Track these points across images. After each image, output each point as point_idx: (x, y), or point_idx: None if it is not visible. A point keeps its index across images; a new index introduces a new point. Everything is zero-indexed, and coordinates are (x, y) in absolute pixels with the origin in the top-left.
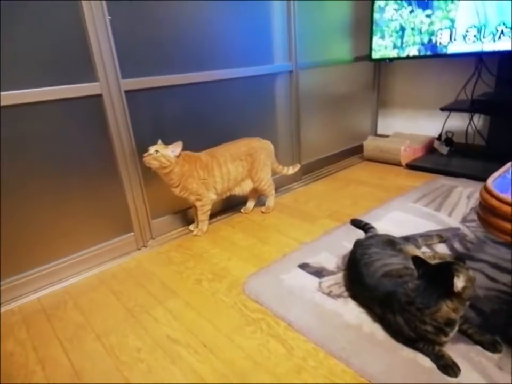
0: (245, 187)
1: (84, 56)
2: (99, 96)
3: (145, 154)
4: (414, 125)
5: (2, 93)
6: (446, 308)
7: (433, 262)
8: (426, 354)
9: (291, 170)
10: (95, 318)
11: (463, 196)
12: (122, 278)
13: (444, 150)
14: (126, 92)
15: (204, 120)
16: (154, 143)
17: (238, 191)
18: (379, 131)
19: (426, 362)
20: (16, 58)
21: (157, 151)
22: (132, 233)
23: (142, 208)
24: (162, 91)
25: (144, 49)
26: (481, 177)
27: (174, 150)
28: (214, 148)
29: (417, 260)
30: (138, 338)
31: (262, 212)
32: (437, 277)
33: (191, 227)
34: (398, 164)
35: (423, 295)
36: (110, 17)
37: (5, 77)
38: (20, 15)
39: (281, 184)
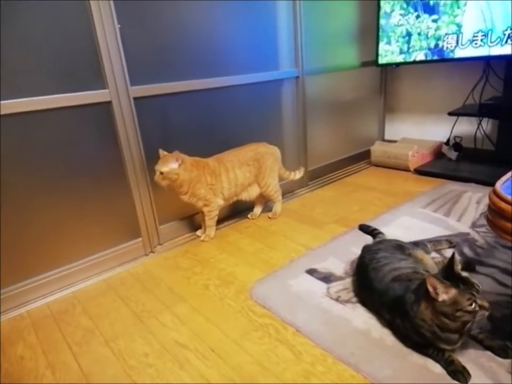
0: (252, 192)
1: (93, 63)
2: (108, 103)
3: (155, 178)
4: (421, 130)
5: (13, 100)
6: (423, 308)
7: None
8: (436, 360)
9: (297, 174)
10: (103, 323)
11: (472, 201)
12: (130, 284)
13: (453, 155)
14: (135, 98)
15: (211, 126)
16: (163, 150)
17: (245, 196)
18: (386, 136)
19: (436, 368)
20: (27, 66)
21: (161, 172)
22: (140, 239)
23: (149, 214)
24: (170, 98)
25: (152, 56)
26: (491, 182)
27: (178, 158)
28: (221, 154)
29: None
30: (146, 343)
31: (269, 218)
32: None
33: (198, 232)
34: (406, 169)
35: (415, 296)
36: (119, 25)
37: (16, 84)
38: (30, 24)
39: (288, 190)
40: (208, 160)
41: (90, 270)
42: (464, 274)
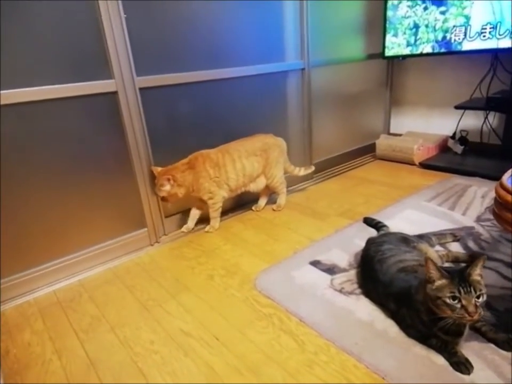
0: (260, 184)
1: (99, 53)
2: (114, 93)
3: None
4: (427, 123)
5: (18, 89)
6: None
7: (446, 260)
8: (439, 351)
9: (303, 171)
10: (110, 311)
11: (478, 195)
12: (135, 273)
13: (458, 149)
14: (141, 89)
15: (216, 118)
16: (168, 140)
17: (253, 187)
18: (392, 130)
19: (439, 359)
20: (32, 55)
21: (162, 197)
22: (145, 229)
23: (155, 204)
24: (176, 88)
25: (158, 47)
26: (496, 177)
27: (169, 179)
28: (228, 144)
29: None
30: (151, 330)
31: (273, 210)
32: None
33: (184, 228)
34: (411, 163)
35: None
36: (125, 15)
37: (22, 74)
38: (36, 13)
39: (293, 182)
40: (210, 153)
41: (97, 259)
42: (475, 277)
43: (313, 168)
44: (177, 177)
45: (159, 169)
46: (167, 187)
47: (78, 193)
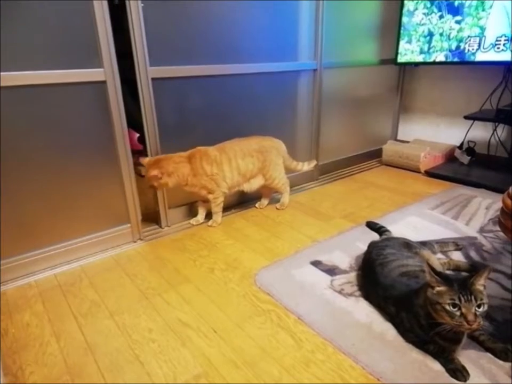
0: (254, 184)
1: (90, 42)
2: (103, 82)
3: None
4: (435, 132)
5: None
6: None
7: (447, 268)
8: (436, 357)
9: (306, 166)
10: (109, 297)
11: (482, 206)
12: (137, 261)
13: (465, 159)
14: (153, 79)
15: (225, 113)
16: (176, 132)
17: (246, 187)
18: (399, 136)
19: (435, 365)
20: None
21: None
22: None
23: (160, 196)
24: (188, 81)
25: (172, 38)
26: (502, 189)
27: (159, 170)
28: (224, 142)
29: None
30: (150, 319)
31: (277, 208)
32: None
33: (193, 221)
34: (417, 171)
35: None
36: (142, 4)
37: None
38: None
39: (298, 182)
40: (208, 150)
41: (99, 246)
42: (478, 287)
43: (315, 162)
44: (167, 167)
45: (147, 159)
46: (154, 172)
47: (81, 177)
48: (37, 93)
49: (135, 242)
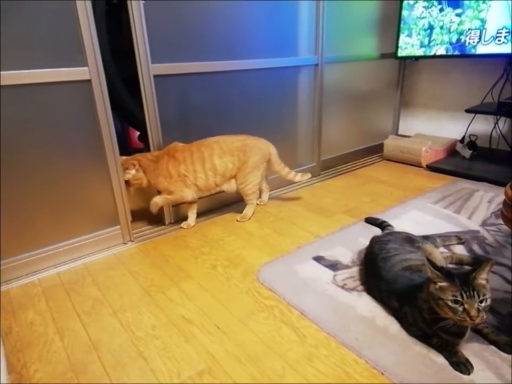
0: (234, 185)
1: (73, 40)
2: (88, 81)
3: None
4: (436, 126)
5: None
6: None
7: (450, 262)
8: (439, 350)
9: (299, 177)
10: (112, 295)
11: (484, 200)
12: (139, 259)
13: (467, 153)
14: (155, 76)
15: (227, 109)
16: (177, 128)
17: (226, 187)
18: (400, 131)
19: (439, 358)
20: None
21: (125, 181)
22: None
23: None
24: (189, 78)
25: (173, 35)
26: (504, 183)
27: (134, 164)
28: (203, 139)
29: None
30: (153, 316)
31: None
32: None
33: (183, 225)
34: (419, 165)
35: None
36: (143, 1)
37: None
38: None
39: None
40: (177, 153)
41: (101, 244)
42: (480, 281)
43: (309, 175)
44: (143, 162)
45: (124, 157)
46: (132, 171)
47: (81, 178)
48: (20, 93)
49: (132, 241)
